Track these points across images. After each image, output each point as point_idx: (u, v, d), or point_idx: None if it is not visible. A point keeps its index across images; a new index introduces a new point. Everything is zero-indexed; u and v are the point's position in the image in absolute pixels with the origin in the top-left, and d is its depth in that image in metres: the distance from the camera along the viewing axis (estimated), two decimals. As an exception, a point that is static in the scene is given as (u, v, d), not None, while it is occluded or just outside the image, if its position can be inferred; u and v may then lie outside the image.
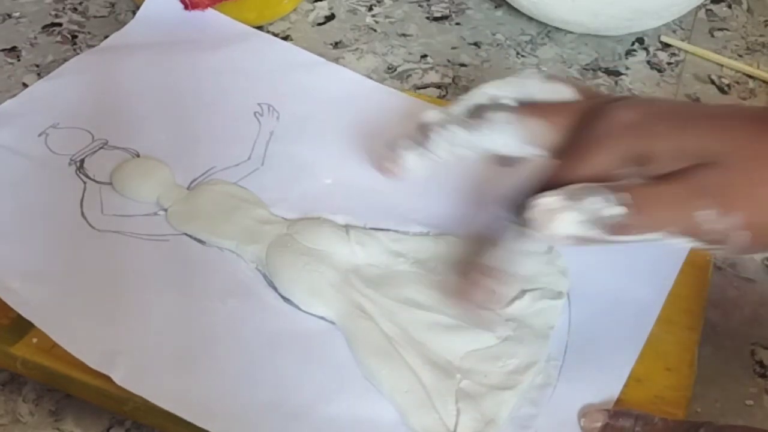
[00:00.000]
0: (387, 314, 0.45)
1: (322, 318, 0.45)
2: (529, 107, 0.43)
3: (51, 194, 0.50)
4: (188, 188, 0.51)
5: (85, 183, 0.51)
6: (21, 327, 0.44)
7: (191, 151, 0.53)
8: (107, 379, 0.42)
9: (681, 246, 0.39)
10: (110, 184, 0.51)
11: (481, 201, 0.49)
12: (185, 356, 0.43)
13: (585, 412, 0.41)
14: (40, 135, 0.53)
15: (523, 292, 0.45)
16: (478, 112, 0.44)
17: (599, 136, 0.40)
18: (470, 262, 0.43)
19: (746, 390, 0.45)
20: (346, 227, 0.48)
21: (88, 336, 0.43)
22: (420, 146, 0.45)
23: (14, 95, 0.57)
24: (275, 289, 0.46)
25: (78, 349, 0.42)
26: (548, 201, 0.38)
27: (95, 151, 0.53)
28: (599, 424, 0.41)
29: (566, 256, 0.47)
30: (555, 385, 0.43)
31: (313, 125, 0.55)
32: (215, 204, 0.50)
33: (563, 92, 0.44)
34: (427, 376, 0.42)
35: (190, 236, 0.48)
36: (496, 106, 0.44)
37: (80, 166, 0.52)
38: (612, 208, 0.38)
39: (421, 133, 0.45)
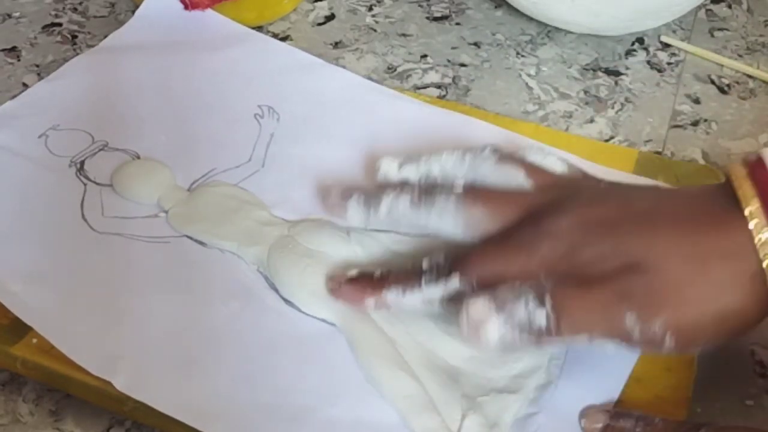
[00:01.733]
0: (389, 317, 0.44)
1: (323, 320, 0.45)
2: (473, 194, 0.44)
3: (51, 196, 0.50)
4: (189, 190, 0.51)
5: (85, 185, 0.51)
6: (21, 327, 0.44)
7: (192, 153, 0.53)
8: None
9: (610, 350, 0.39)
10: (111, 185, 0.51)
11: None
12: (186, 359, 0.43)
13: (586, 413, 0.41)
14: (40, 137, 0.53)
15: None
16: (428, 191, 0.45)
17: (525, 241, 0.42)
18: (382, 276, 0.44)
19: (746, 390, 0.45)
20: (347, 228, 0.48)
21: (89, 341, 0.43)
22: (368, 206, 0.46)
23: (14, 95, 0.57)
24: (276, 291, 0.46)
25: (79, 356, 0.42)
26: (477, 310, 0.39)
27: (95, 153, 0.53)
28: (600, 425, 0.41)
29: None
30: (556, 384, 0.43)
31: (313, 127, 0.55)
32: (216, 205, 0.50)
33: (516, 177, 0.45)
34: (431, 380, 0.42)
35: (190, 238, 0.48)
36: (445, 190, 0.45)
37: (80, 168, 0.52)
38: (535, 312, 0.38)
39: (375, 195, 0.46)
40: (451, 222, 0.44)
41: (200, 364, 0.43)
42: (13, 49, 0.63)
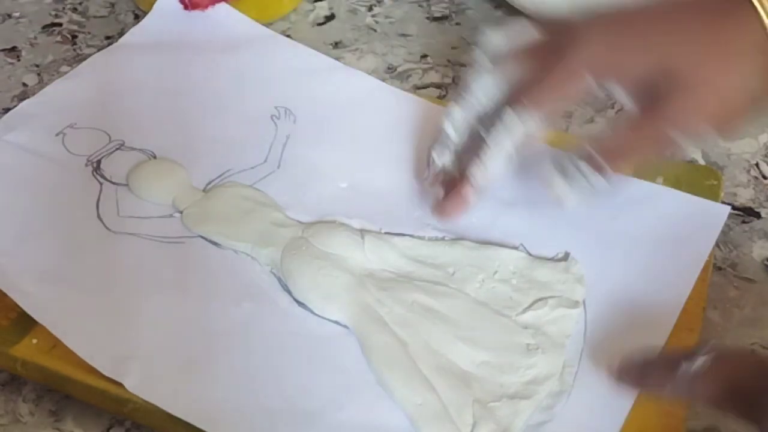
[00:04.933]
0: (402, 321, 0.45)
1: (336, 322, 0.45)
2: (515, 56, 0.48)
3: (67, 195, 0.50)
4: (204, 190, 0.51)
5: (101, 184, 0.51)
6: (21, 328, 0.44)
7: (207, 153, 0.53)
8: (107, 380, 0.42)
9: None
10: (126, 185, 0.51)
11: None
12: (197, 361, 0.43)
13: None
14: (57, 135, 0.53)
15: (542, 300, 0.45)
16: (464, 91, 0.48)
17: (560, 48, 0.45)
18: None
19: (746, 390, 0.45)
20: (362, 232, 0.48)
21: (101, 342, 0.43)
22: (444, 145, 0.48)
23: (14, 95, 0.57)
24: (289, 292, 0.46)
25: (91, 356, 0.42)
26: (555, 187, 0.44)
27: (112, 152, 0.53)
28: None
29: (582, 263, 0.47)
30: (570, 393, 0.42)
31: (329, 129, 0.55)
32: (231, 206, 0.50)
33: (526, 30, 0.48)
34: (442, 384, 0.42)
35: (205, 238, 0.48)
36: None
37: (97, 167, 0.52)
38: (593, 177, 0.44)
39: (440, 135, 0.49)
40: (492, 86, 0.48)
41: (211, 366, 0.43)
42: (13, 49, 0.63)
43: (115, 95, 0.56)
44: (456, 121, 0.48)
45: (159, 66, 0.58)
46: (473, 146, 0.47)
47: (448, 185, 0.48)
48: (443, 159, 0.49)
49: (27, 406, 0.44)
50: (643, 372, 0.40)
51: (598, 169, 0.44)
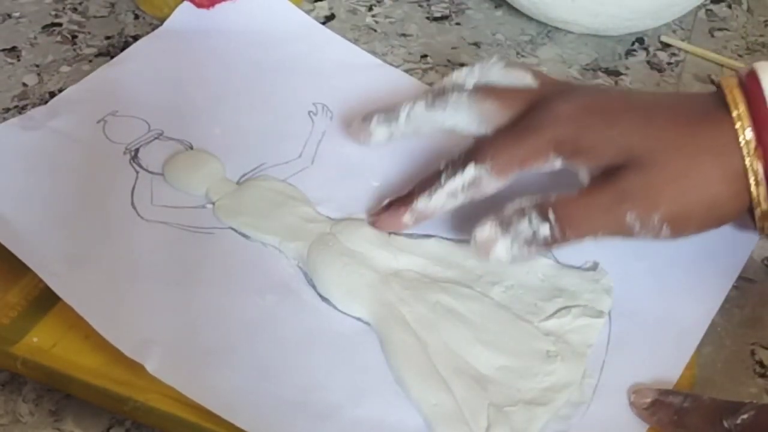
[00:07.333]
0: (424, 321, 0.45)
1: (358, 319, 0.45)
2: (485, 90, 0.48)
3: (104, 182, 0.50)
4: (238, 183, 0.51)
5: (137, 172, 0.51)
6: (21, 327, 0.44)
7: (243, 146, 0.53)
8: (107, 379, 0.42)
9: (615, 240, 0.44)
10: (162, 174, 0.51)
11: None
12: (219, 349, 0.43)
13: (635, 389, 0.42)
14: (98, 122, 0.54)
15: (567, 309, 0.45)
16: (441, 92, 0.49)
17: (533, 124, 0.45)
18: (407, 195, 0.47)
19: (746, 390, 0.45)
20: (390, 231, 0.48)
21: (127, 324, 0.43)
22: (388, 120, 0.50)
23: (14, 95, 0.57)
24: (314, 287, 0.46)
25: (114, 336, 0.42)
26: (484, 233, 0.43)
27: (150, 141, 0.53)
28: (649, 400, 0.41)
29: (610, 273, 0.47)
30: (589, 404, 0.42)
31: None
32: (262, 200, 0.50)
33: (523, 79, 0.49)
34: (459, 386, 0.42)
35: (235, 230, 0.49)
36: (457, 89, 0.48)
37: (134, 156, 0.52)
38: (540, 228, 0.43)
39: (393, 110, 0.50)
40: (465, 117, 0.47)
41: (232, 355, 0.43)
42: (13, 49, 0.63)
43: (156, 84, 0.56)
44: (414, 114, 0.49)
45: (202, 57, 0.58)
46: (429, 178, 0.47)
47: (394, 201, 0.48)
48: (378, 133, 0.50)
49: (27, 406, 0.44)
50: (681, 419, 0.40)
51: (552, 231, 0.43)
